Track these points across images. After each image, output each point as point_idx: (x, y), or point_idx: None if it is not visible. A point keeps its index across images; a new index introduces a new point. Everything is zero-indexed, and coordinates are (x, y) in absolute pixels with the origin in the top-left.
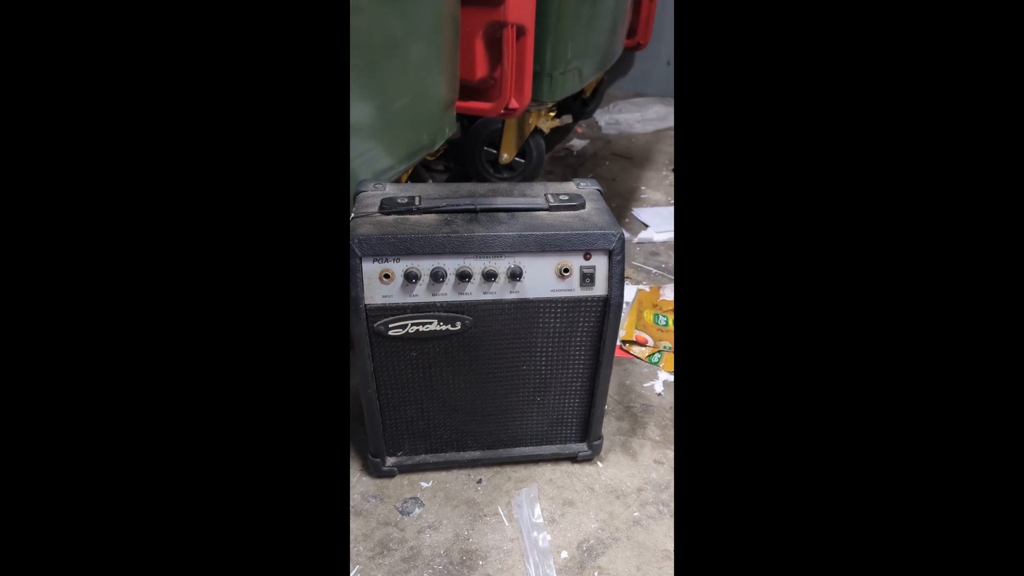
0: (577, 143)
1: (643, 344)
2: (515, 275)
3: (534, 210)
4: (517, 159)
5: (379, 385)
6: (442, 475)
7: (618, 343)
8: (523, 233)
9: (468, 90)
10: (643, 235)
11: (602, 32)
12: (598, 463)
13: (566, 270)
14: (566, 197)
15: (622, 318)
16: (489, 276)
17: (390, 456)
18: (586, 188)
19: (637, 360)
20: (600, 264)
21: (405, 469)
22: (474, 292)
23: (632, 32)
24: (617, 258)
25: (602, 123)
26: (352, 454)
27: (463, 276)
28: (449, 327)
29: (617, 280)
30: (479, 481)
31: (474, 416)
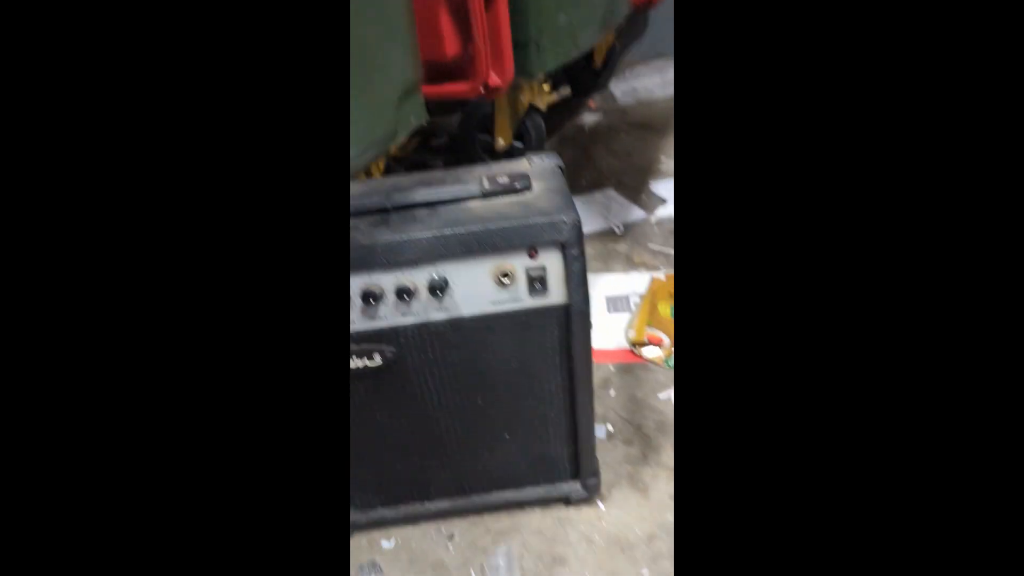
0: (589, 118)
1: (658, 345)
2: (438, 288)
3: (462, 200)
4: (515, 143)
5: None
6: (408, 531)
7: (627, 346)
8: (441, 232)
9: (442, 72)
10: (661, 212)
11: None
12: (599, 504)
13: (505, 275)
14: (506, 179)
15: (632, 314)
16: (403, 293)
17: None
18: (540, 164)
19: (652, 365)
20: (552, 263)
21: (360, 527)
22: (389, 316)
23: None
24: (573, 252)
25: (618, 93)
26: None
27: (370, 297)
28: (367, 362)
29: (578, 280)
30: (451, 537)
31: (431, 460)
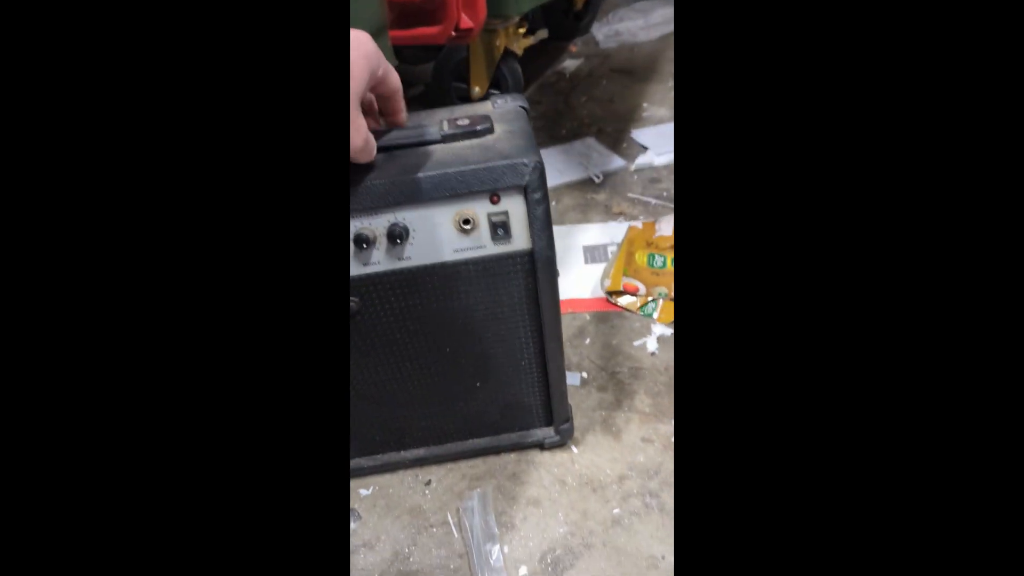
0: (570, 64)
1: (634, 293)
2: (398, 236)
3: (421, 144)
4: (492, 91)
5: None
6: (386, 479)
7: (603, 295)
8: (398, 178)
9: (411, 15)
10: (641, 160)
11: None
12: (573, 448)
13: (466, 221)
14: (466, 122)
15: (609, 263)
16: (362, 242)
17: None
18: (504, 107)
19: (627, 313)
20: (515, 207)
21: None
22: (352, 265)
23: None
24: (535, 196)
25: (600, 37)
26: None
27: None
28: None
29: (541, 225)
30: (428, 483)
31: (405, 410)
